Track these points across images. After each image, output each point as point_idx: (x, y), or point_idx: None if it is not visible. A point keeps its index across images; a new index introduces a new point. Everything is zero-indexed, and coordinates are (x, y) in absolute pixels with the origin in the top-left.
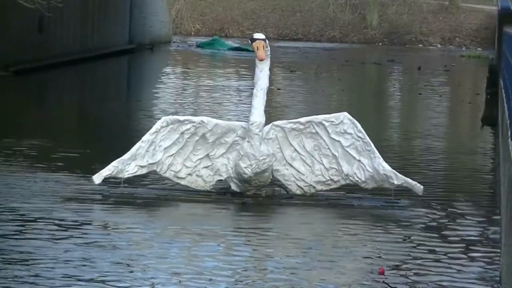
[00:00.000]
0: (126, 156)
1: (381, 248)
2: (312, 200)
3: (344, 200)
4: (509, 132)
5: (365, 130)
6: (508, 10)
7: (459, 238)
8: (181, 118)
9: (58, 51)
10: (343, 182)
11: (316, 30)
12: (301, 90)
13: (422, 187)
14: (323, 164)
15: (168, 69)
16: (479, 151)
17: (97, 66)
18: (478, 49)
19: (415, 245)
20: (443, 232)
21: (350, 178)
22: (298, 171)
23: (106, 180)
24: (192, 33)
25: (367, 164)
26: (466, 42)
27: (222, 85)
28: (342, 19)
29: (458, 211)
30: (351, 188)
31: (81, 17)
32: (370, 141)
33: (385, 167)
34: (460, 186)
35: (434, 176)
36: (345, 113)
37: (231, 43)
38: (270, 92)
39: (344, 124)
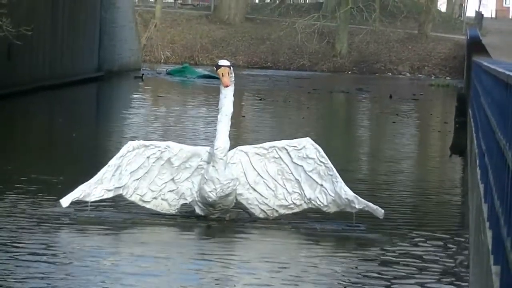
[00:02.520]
0: (93, 180)
1: (343, 271)
2: (275, 223)
3: (307, 224)
4: (477, 161)
5: (332, 157)
6: (476, 39)
7: (426, 265)
8: (147, 143)
9: (27, 78)
10: (305, 206)
11: (286, 58)
12: (269, 117)
13: (383, 211)
14: (286, 188)
15: (137, 96)
16: (448, 179)
17: (66, 93)
18: (447, 78)
19: (380, 269)
20: (409, 259)
21: (313, 202)
22: (261, 195)
23: (73, 203)
24: (162, 61)
25: (329, 188)
26: (435, 71)
27: (191, 112)
28: (311, 47)
29: (426, 238)
30: (314, 212)
31: (50, 44)
32: (333, 166)
33: (347, 192)
34: (428, 214)
35: (402, 204)
36: (308, 139)
37: (201, 70)
38: (239, 119)
39: (306, 149)
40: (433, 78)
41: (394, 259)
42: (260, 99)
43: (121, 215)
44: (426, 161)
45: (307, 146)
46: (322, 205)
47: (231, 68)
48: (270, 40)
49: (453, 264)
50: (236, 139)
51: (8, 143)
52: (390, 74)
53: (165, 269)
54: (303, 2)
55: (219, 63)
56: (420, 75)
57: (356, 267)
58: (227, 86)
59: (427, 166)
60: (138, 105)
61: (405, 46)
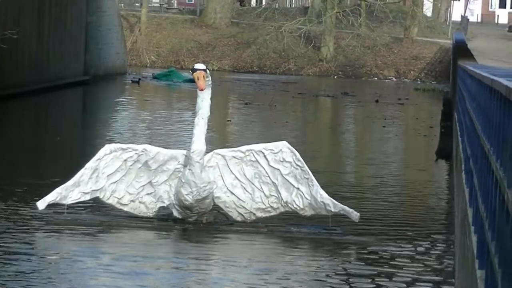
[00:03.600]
0: (69, 182)
1: (319, 274)
2: (252, 226)
3: (284, 227)
4: (462, 166)
5: (316, 160)
6: (462, 44)
7: (411, 267)
8: (124, 146)
9: (13, 82)
10: (282, 210)
11: (272, 62)
12: (255, 121)
13: (358, 214)
14: (263, 192)
15: (124, 100)
16: (433, 184)
17: (53, 97)
18: (433, 82)
19: (365, 270)
20: (395, 261)
21: (289, 205)
22: (239, 198)
23: (50, 206)
24: (148, 65)
25: (305, 191)
26: (421, 76)
27: (177, 116)
28: (297, 51)
29: (411, 241)
30: (290, 215)
31: (37, 48)
32: (309, 170)
33: (322, 195)
34: (414, 218)
35: (387, 207)
36: (285, 142)
37: (186, 74)
38: (224, 123)
39: (283, 153)
40: (419, 82)
41: (379, 260)
42: (246, 104)
43: (98, 217)
44: (412, 166)
45: (284, 149)
46: (298, 208)
47: (207, 71)
48: (256, 44)
49: (438, 267)
50: (221, 143)
51: None
52: (376, 78)
53: (143, 270)
54: (290, 6)
55: (194, 67)
56: (406, 79)
57: (344, 268)
58: (202, 90)
59: (413, 170)
60: (124, 109)
61: (391, 51)
